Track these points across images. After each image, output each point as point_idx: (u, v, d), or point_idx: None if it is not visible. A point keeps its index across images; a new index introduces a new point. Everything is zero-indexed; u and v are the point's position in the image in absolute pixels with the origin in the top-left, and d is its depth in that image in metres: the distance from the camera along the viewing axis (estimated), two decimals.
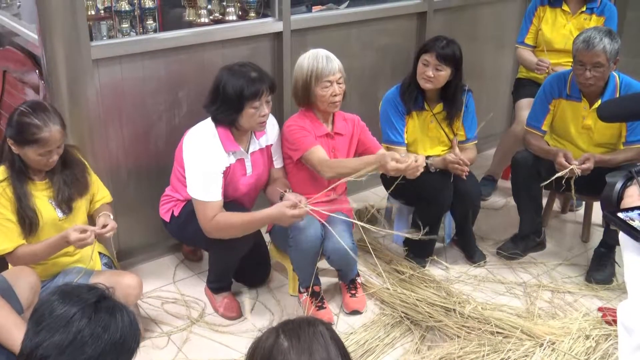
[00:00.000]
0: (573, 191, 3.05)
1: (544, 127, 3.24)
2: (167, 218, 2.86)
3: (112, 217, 2.57)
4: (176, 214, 2.81)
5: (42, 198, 2.45)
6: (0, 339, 2.03)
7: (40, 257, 2.43)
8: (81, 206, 2.57)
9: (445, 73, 3.05)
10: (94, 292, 1.43)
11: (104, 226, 2.46)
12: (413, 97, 3.14)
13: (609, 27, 3.09)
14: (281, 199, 2.66)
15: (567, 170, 2.96)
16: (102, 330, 1.37)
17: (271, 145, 2.88)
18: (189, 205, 2.77)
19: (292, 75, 2.89)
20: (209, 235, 2.65)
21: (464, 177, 3.08)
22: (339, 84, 2.81)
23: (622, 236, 1.24)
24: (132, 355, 1.43)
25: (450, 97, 3.14)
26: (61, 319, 1.36)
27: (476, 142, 3.27)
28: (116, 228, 2.51)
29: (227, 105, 2.62)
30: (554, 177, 2.99)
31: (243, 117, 2.64)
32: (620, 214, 1.26)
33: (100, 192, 2.69)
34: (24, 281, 2.29)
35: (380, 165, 2.71)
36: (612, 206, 1.32)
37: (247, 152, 2.78)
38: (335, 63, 2.80)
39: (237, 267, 2.94)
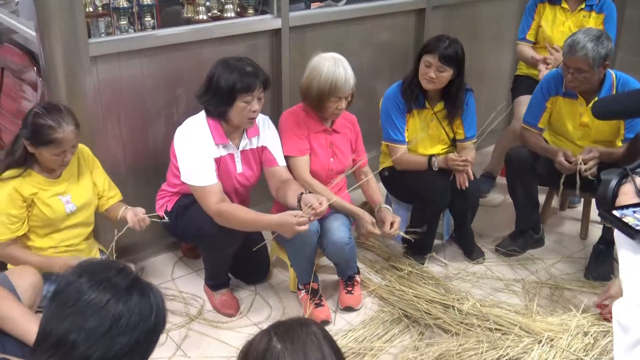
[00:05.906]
0: (578, 188, 3.02)
1: (541, 125, 3.23)
2: (161, 213, 2.86)
3: None
4: (169, 209, 2.82)
5: (51, 194, 2.52)
6: (9, 329, 2.04)
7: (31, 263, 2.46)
8: (91, 203, 2.66)
9: (447, 74, 3.01)
10: (125, 276, 1.39)
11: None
12: (414, 95, 3.11)
13: (601, 30, 3.07)
14: (299, 201, 2.59)
15: (573, 169, 2.97)
16: (138, 318, 1.34)
17: (264, 147, 2.83)
18: (181, 200, 2.78)
19: (288, 70, 2.88)
20: (216, 221, 2.63)
21: (465, 185, 3.05)
22: (347, 98, 2.82)
23: (617, 234, 1.25)
24: (159, 335, 1.41)
25: (452, 96, 3.11)
26: (94, 305, 1.32)
27: (475, 141, 3.26)
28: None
29: (219, 97, 2.62)
30: (562, 179, 3.04)
31: (233, 110, 2.63)
32: (615, 212, 1.26)
33: (111, 190, 2.75)
34: (26, 281, 2.29)
35: (359, 224, 2.83)
36: (607, 204, 1.33)
37: (238, 148, 2.77)
38: (352, 80, 2.79)
39: (236, 264, 2.94)
